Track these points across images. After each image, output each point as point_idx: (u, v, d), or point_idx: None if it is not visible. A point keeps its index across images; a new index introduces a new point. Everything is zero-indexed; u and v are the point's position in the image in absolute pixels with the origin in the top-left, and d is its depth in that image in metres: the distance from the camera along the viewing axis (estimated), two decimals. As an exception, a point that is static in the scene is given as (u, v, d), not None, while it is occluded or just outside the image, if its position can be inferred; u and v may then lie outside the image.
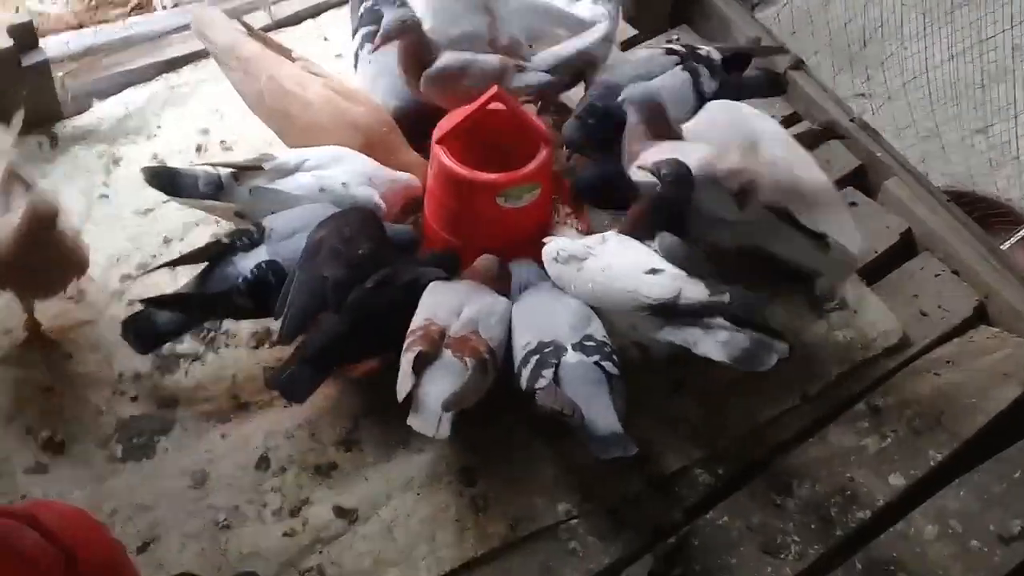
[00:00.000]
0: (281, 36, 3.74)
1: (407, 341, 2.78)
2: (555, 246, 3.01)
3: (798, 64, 3.97)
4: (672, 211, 2.99)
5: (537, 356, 2.75)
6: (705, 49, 3.48)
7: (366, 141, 3.26)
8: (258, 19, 3.89)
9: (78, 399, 2.97)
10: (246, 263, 2.93)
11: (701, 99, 3.38)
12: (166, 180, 3.13)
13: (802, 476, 2.97)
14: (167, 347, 3.06)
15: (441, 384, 2.70)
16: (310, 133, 3.30)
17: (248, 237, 2.97)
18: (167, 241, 3.34)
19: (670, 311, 2.80)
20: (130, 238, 3.33)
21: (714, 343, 2.74)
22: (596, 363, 2.75)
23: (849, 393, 3.17)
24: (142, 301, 2.94)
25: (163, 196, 3.21)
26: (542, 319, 2.88)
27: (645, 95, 3.19)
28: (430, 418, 2.67)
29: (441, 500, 2.86)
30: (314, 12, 3.99)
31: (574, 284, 2.96)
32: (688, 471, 2.97)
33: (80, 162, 3.53)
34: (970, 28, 4.16)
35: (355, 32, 3.56)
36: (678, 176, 2.94)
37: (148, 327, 2.94)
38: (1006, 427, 3.14)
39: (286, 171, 3.14)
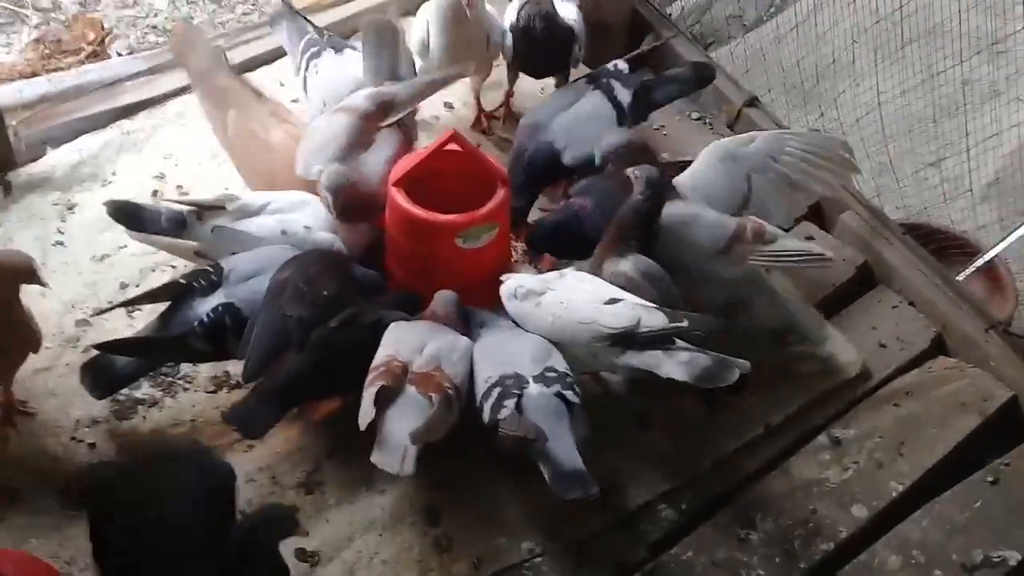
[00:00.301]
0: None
1: (369, 377, 2.77)
2: (513, 283, 3.02)
3: (752, 101, 4.02)
4: (650, 217, 3.01)
5: (499, 388, 2.75)
6: (612, 63, 3.58)
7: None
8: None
9: (35, 446, 2.93)
10: (203, 307, 2.91)
11: (619, 109, 3.49)
12: (129, 215, 3.11)
13: (766, 509, 2.97)
14: (124, 393, 3.03)
15: (405, 420, 2.69)
16: (265, 176, 3.31)
17: (205, 278, 2.96)
18: (123, 287, 3.31)
19: (630, 339, 2.80)
20: (86, 284, 3.31)
21: (676, 364, 2.75)
22: (557, 393, 2.75)
23: (811, 425, 3.19)
24: (97, 346, 2.92)
25: (119, 242, 3.21)
26: (503, 354, 2.88)
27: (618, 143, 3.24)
28: (394, 454, 2.65)
29: (404, 540, 2.83)
30: (270, 59, 3.99)
31: (533, 319, 2.96)
32: (652, 506, 2.96)
33: (35, 209, 3.50)
34: (921, 64, 4.22)
35: (300, 62, 3.57)
36: (651, 182, 2.97)
37: (105, 372, 2.91)
38: (966, 456, 3.16)
39: (249, 212, 3.14)
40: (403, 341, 2.87)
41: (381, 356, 2.82)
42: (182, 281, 2.99)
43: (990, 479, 3.08)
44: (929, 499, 3.03)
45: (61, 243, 3.41)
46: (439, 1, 3.48)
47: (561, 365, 2.84)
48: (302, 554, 2.78)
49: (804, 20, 4.29)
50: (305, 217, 3.16)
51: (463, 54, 3.55)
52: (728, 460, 3.08)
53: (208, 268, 2.99)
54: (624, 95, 3.50)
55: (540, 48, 3.66)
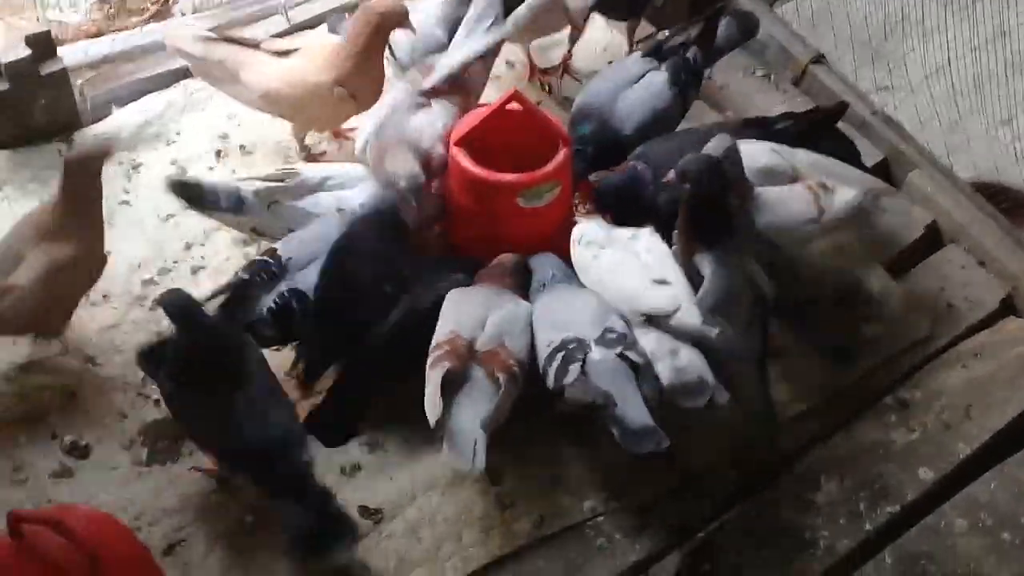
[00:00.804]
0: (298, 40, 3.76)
1: (432, 356, 2.73)
2: (581, 229, 3.03)
3: (819, 58, 3.96)
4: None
5: (562, 353, 2.73)
6: (686, 51, 3.50)
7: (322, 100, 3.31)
8: (276, 23, 3.89)
9: (102, 403, 2.97)
10: (268, 296, 2.92)
11: (684, 96, 3.47)
12: (188, 192, 3.15)
13: (831, 471, 2.95)
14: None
15: (473, 408, 2.65)
16: (289, 106, 3.38)
17: (266, 271, 2.95)
18: (188, 247, 3.34)
19: (661, 325, 2.81)
20: (151, 243, 3.34)
21: (669, 366, 2.74)
22: (620, 355, 2.73)
23: (877, 387, 3.15)
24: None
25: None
26: (562, 316, 2.86)
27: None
28: (465, 449, 2.60)
29: (466, 499, 2.84)
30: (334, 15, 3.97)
31: (585, 270, 2.97)
32: (716, 468, 2.95)
33: (101, 169, 3.53)
34: (992, 20, 4.13)
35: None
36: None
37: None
38: (1036, 419, 3.11)
39: (308, 188, 3.17)
40: (464, 314, 2.84)
41: (443, 332, 2.78)
42: (245, 276, 2.97)
43: (1061, 442, 3.04)
44: (997, 462, 2.99)
45: (127, 202, 3.43)
46: None
47: (619, 325, 2.82)
48: (365, 511, 2.80)
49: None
50: (361, 194, 3.17)
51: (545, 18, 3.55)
52: (793, 422, 3.05)
53: (267, 259, 2.98)
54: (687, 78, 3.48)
55: None
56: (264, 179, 3.18)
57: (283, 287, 2.92)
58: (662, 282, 2.85)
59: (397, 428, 2.95)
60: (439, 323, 2.83)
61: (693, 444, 2.94)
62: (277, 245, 3.03)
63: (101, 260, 2.98)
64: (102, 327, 3.11)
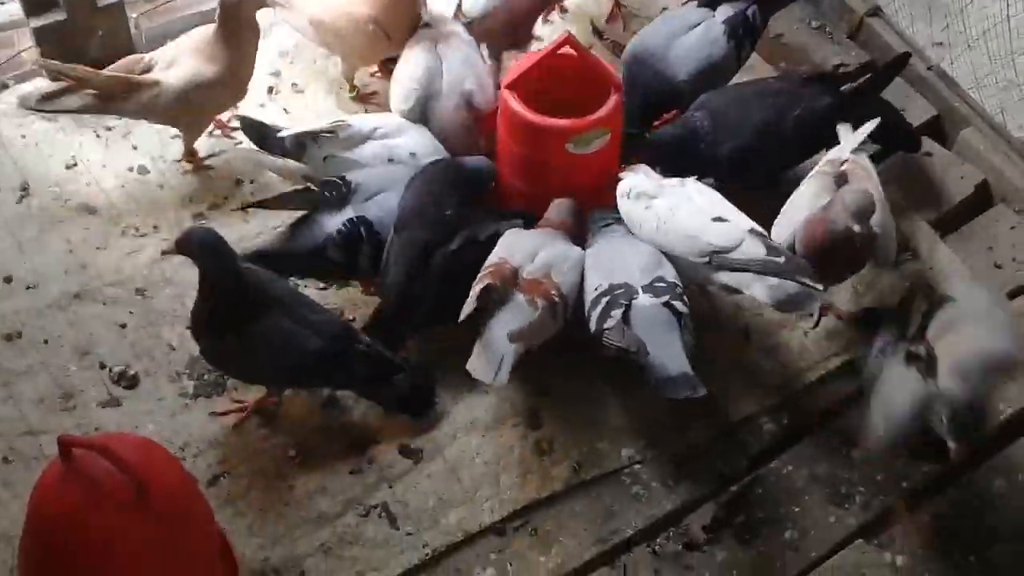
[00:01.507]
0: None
1: (480, 275, 2.80)
2: (628, 183, 3.03)
3: (875, 11, 3.91)
4: None
5: (607, 298, 2.76)
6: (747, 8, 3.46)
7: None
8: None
9: (151, 335, 3.02)
10: (332, 221, 2.97)
11: (739, 47, 3.44)
12: (258, 133, 3.25)
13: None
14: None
15: (510, 326, 2.71)
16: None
17: (336, 190, 3.01)
18: (239, 183, 3.37)
19: (726, 261, 2.82)
20: (202, 179, 3.37)
21: (764, 286, 2.78)
22: (666, 303, 2.75)
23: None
24: (247, 257, 2.90)
25: (233, 141, 3.38)
26: (613, 262, 2.89)
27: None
28: (491, 362, 2.69)
29: (506, 441, 2.88)
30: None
31: (640, 221, 2.97)
32: (754, 420, 2.97)
33: (154, 102, 3.55)
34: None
35: None
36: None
37: None
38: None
39: (359, 139, 3.21)
40: (516, 245, 2.89)
41: (493, 258, 2.85)
42: (314, 188, 3.04)
43: (1103, 401, 3.02)
44: (1037, 425, 2.98)
45: (179, 136, 3.46)
46: None
47: (671, 275, 2.84)
48: (406, 450, 2.85)
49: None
50: (411, 142, 3.22)
51: None
52: (832, 377, 3.06)
53: (337, 180, 3.03)
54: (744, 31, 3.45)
55: None
56: (319, 131, 3.20)
57: (351, 212, 2.97)
58: (720, 219, 2.86)
59: (438, 370, 2.97)
60: (492, 253, 2.87)
61: (730, 395, 2.97)
62: (347, 174, 3.07)
63: (241, 88, 3.32)
64: (152, 259, 3.15)
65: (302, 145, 3.20)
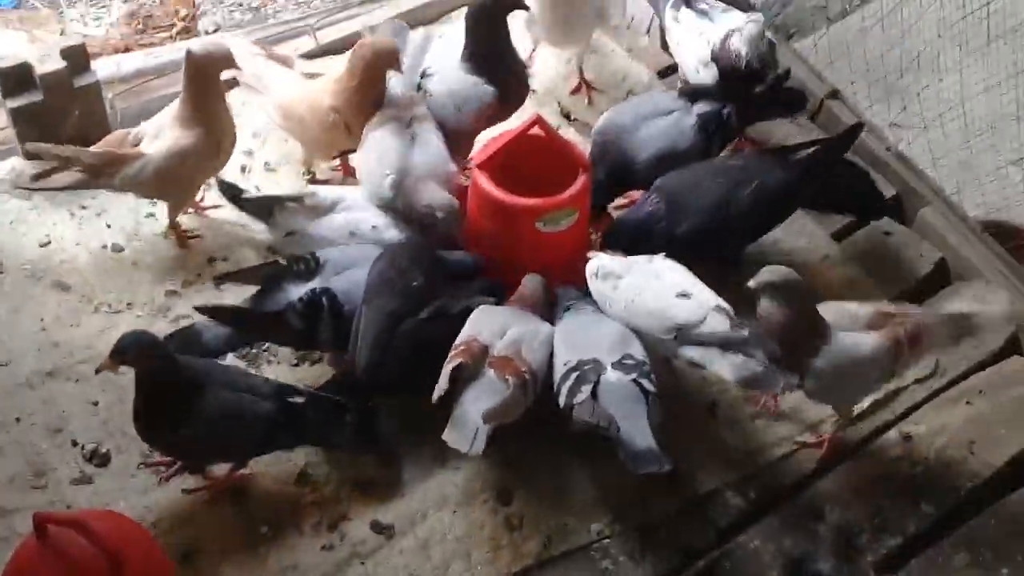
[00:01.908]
0: (323, 63, 3.87)
1: (450, 354, 2.84)
2: (596, 263, 3.09)
3: (834, 93, 4.02)
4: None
5: (577, 373, 2.81)
6: (724, 108, 3.51)
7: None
8: (304, 44, 3.96)
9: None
10: (298, 290, 3.00)
11: (705, 144, 3.48)
12: (233, 192, 3.30)
13: (833, 501, 3.00)
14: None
15: (481, 401, 2.76)
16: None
17: (304, 264, 3.05)
18: (211, 260, 3.41)
19: (691, 337, 2.88)
20: (176, 257, 3.41)
21: (728, 364, 2.83)
22: (634, 380, 2.80)
23: (881, 421, 3.20)
24: (199, 308, 3.01)
25: (207, 219, 3.44)
26: (583, 339, 2.94)
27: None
28: (466, 434, 2.73)
29: (477, 518, 2.91)
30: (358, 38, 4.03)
31: (610, 301, 3.03)
32: (720, 493, 3.01)
33: (129, 182, 3.60)
34: (1006, 60, 4.18)
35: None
36: None
37: (194, 342, 3.00)
38: (1037, 458, 3.16)
39: (323, 209, 3.25)
40: (486, 323, 2.94)
41: (464, 336, 2.89)
42: (282, 262, 3.09)
43: (1061, 481, 3.09)
44: (999, 499, 3.04)
45: (152, 215, 3.51)
46: None
47: (639, 353, 2.89)
48: (377, 526, 2.87)
49: (889, 12, 4.26)
50: (372, 216, 3.26)
51: (572, 28, 3.65)
52: (797, 452, 3.11)
53: (306, 256, 3.08)
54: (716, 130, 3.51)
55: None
56: (286, 197, 3.26)
57: (316, 284, 3.01)
58: (685, 295, 2.93)
59: (410, 446, 3.01)
60: (463, 331, 2.91)
61: (697, 469, 3.01)
62: (317, 251, 3.12)
63: (221, 151, 3.35)
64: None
65: (267, 210, 3.23)
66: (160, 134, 3.29)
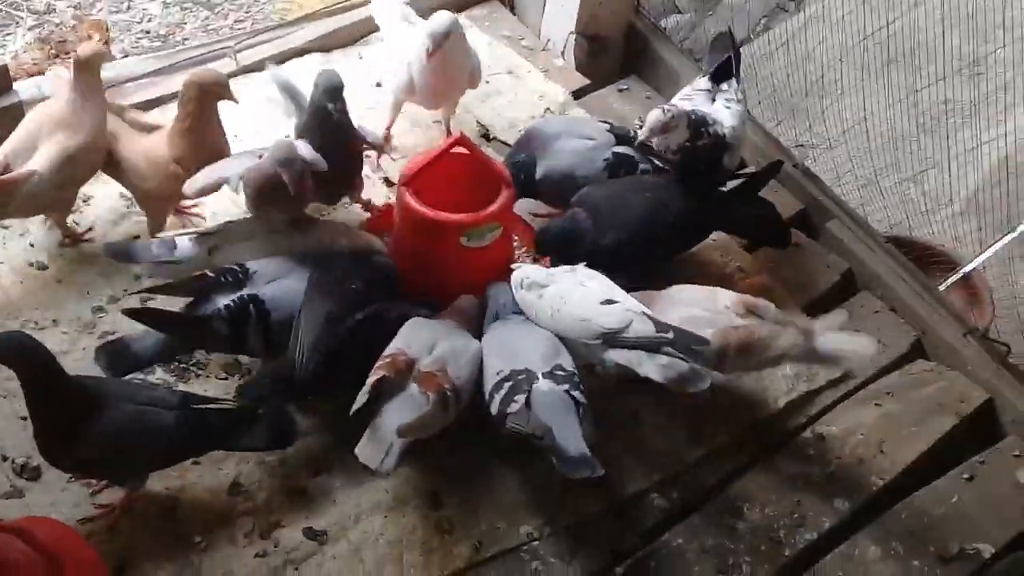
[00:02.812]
0: (244, 81, 3.92)
1: (375, 366, 2.88)
2: (520, 273, 3.16)
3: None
4: None
5: (510, 383, 2.86)
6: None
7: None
8: (224, 65, 4.00)
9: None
10: (224, 298, 3.02)
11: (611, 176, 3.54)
12: (119, 252, 3.23)
13: (753, 500, 3.12)
14: (139, 377, 3.13)
15: (399, 416, 2.79)
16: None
17: (232, 275, 3.07)
18: (137, 277, 3.41)
19: (618, 341, 2.96)
20: (102, 273, 3.41)
21: (654, 365, 2.91)
22: (566, 391, 2.86)
23: (796, 423, 3.33)
24: (126, 311, 3.00)
25: (132, 232, 3.46)
26: (514, 348, 3.00)
27: None
28: (379, 449, 2.76)
29: (408, 522, 2.96)
30: (279, 60, 4.09)
31: (535, 310, 3.10)
32: (645, 495, 3.10)
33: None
34: (903, 83, 4.38)
35: None
36: None
37: (122, 355, 3.01)
38: (943, 455, 3.31)
39: (241, 235, 3.23)
40: (416, 337, 2.97)
41: (391, 348, 2.93)
42: (209, 274, 3.10)
43: (966, 476, 3.25)
44: (908, 494, 3.18)
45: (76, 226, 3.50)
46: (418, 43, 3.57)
47: (569, 364, 2.95)
48: (310, 532, 2.91)
49: (792, 38, 4.43)
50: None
51: (446, 89, 3.71)
52: (717, 453, 3.22)
53: (235, 267, 3.09)
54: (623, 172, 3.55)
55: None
56: (200, 232, 3.24)
57: (244, 292, 3.02)
58: (610, 302, 3.01)
59: (340, 454, 3.04)
60: (392, 342, 2.95)
61: (624, 472, 3.10)
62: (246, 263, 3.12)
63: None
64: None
65: (173, 247, 3.17)
66: (38, 145, 3.18)
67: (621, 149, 3.56)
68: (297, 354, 2.94)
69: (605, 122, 3.72)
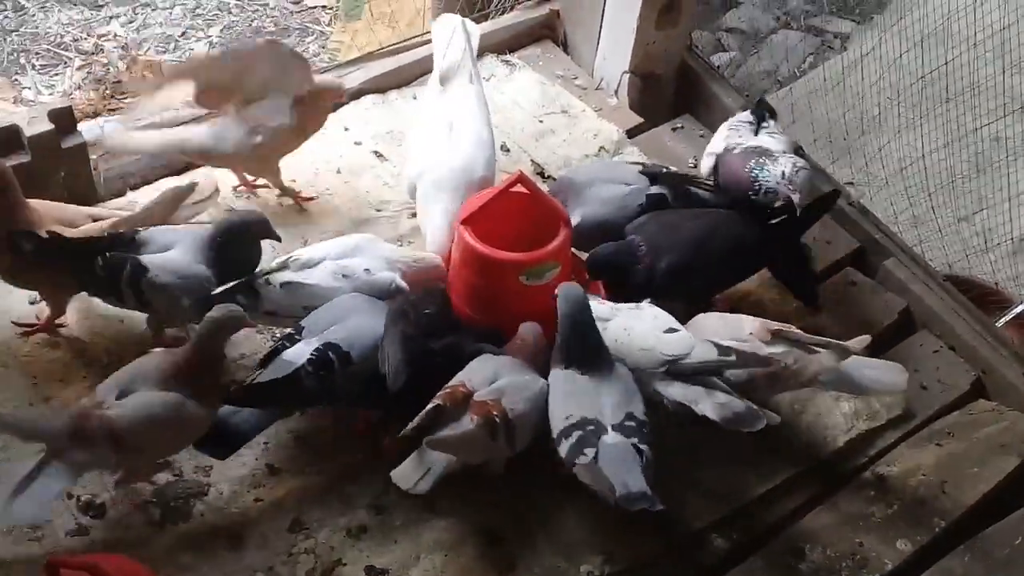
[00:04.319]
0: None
1: (436, 395, 2.88)
2: None
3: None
4: None
5: (580, 432, 2.84)
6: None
7: None
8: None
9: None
10: (297, 354, 2.99)
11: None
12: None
13: (814, 541, 3.09)
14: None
15: None
16: None
17: (291, 340, 3.05)
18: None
19: (682, 368, 2.98)
20: (52, 360, 3.33)
21: (711, 404, 2.93)
22: (634, 445, 2.83)
23: (856, 462, 3.31)
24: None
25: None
26: (587, 395, 2.95)
27: None
28: (416, 471, 2.82)
29: (468, 561, 2.96)
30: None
31: None
32: (704, 534, 3.10)
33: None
34: (958, 121, 4.38)
35: None
36: None
37: (224, 431, 2.97)
38: (1006, 496, 3.28)
39: (310, 267, 3.26)
40: (478, 370, 2.98)
41: (455, 380, 2.94)
42: (274, 343, 3.12)
43: (1029, 517, 3.21)
44: (971, 536, 3.15)
45: (18, 322, 3.41)
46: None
47: (640, 411, 2.92)
48: (372, 571, 2.92)
49: (845, 77, 4.45)
50: (364, 260, 3.28)
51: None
52: (777, 493, 3.21)
53: (291, 330, 3.08)
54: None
55: None
56: (268, 270, 3.25)
57: (316, 342, 3.00)
58: (672, 330, 3.05)
59: (400, 492, 2.98)
60: (456, 375, 2.96)
61: (684, 509, 3.10)
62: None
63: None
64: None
65: (254, 290, 3.18)
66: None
67: (655, 189, 3.55)
68: (390, 374, 2.94)
69: (637, 163, 3.73)
